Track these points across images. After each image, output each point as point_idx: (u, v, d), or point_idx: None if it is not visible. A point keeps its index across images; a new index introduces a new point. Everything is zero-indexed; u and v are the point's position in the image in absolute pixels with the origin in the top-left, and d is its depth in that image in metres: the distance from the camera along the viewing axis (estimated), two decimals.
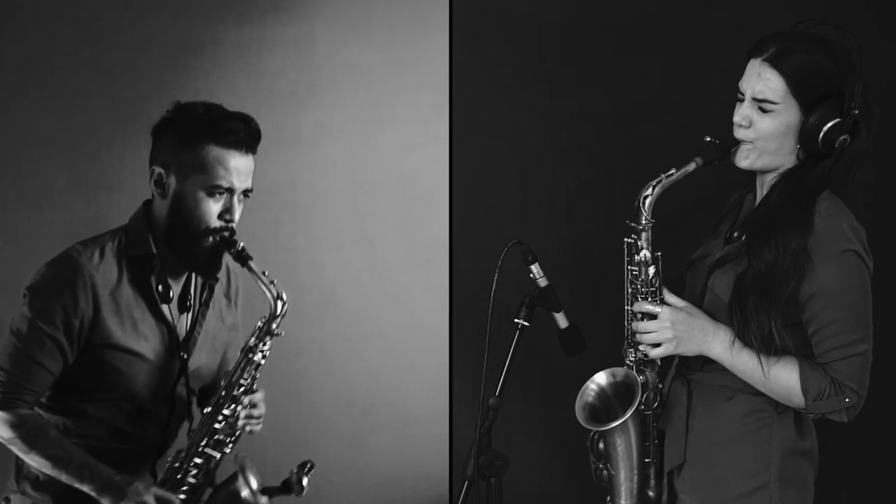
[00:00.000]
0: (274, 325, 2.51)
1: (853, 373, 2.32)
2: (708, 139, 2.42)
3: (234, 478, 2.49)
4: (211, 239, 2.47)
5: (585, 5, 3.27)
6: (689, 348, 2.42)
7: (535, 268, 2.57)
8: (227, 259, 2.54)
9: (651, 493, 2.50)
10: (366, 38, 3.34)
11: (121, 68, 3.22)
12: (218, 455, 2.51)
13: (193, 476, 2.49)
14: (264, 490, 2.49)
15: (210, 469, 2.51)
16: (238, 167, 2.46)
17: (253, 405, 2.53)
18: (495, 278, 2.52)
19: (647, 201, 2.43)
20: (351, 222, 3.38)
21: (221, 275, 2.64)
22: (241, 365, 2.51)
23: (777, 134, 2.37)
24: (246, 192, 2.51)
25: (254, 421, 2.54)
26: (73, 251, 2.46)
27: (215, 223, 2.46)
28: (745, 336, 2.36)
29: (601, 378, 2.48)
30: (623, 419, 2.40)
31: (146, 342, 2.50)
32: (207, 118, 2.46)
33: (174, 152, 2.46)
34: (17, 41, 3.23)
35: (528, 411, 3.25)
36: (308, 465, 2.51)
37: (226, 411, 2.50)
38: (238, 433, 2.53)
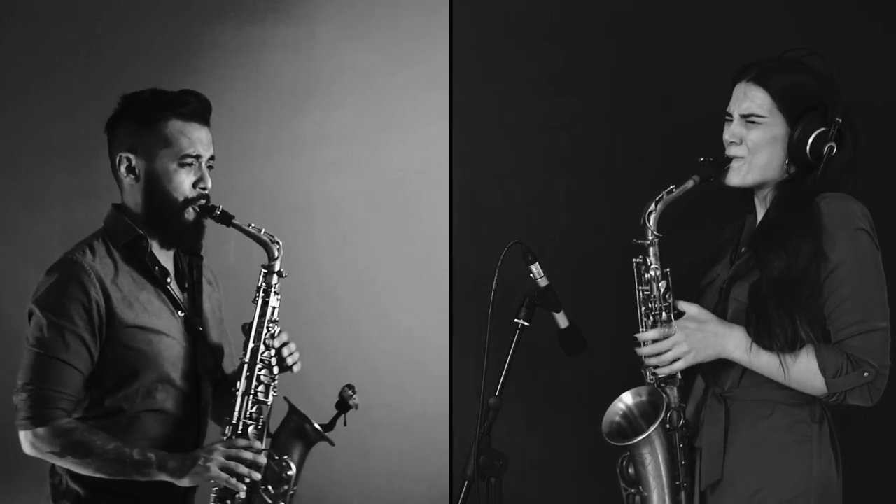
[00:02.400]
0: (276, 266, 2.56)
1: (871, 348, 2.34)
2: (702, 159, 2.50)
3: (290, 417, 2.56)
4: (191, 209, 2.53)
5: (585, 5, 3.27)
6: (707, 354, 2.44)
7: (535, 268, 2.57)
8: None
9: None
10: (365, 38, 3.34)
11: (121, 68, 3.22)
12: (269, 400, 2.54)
13: (254, 427, 2.51)
14: (322, 426, 2.58)
15: (265, 418, 2.54)
16: (200, 137, 2.54)
17: (285, 343, 2.58)
18: (495, 278, 2.52)
19: (652, 217, 2.49)
20: (350, 222, 3.38)
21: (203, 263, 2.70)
22: (260, 310, 2.56)
23: (765, 144, 2.45)
24: (210, 160, 2.57)
25: (295, 356, 2.59)
26: (66, 255, 2.50)
27: (191, 193, 2.53)
28: (766, 339, 2.37)
29: (627, 398, 2.52)
30: (649, 431, 2.42)
31: (158, 319, 2.53)
32: (160, 97, 2.54)
33: (137, 136, 2.52)
34: (17, 41, 3.23)
35: (528, 411, 3.25)
36: (350, 386, 2.62)
37: (263, 356, 2.54)
38: (276, 378, 2.56)
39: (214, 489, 2.45)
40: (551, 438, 3.27)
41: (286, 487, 2.53)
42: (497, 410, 2.50)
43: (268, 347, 2.55)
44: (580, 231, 3.25)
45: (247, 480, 2.44)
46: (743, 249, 2.52)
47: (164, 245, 2.58)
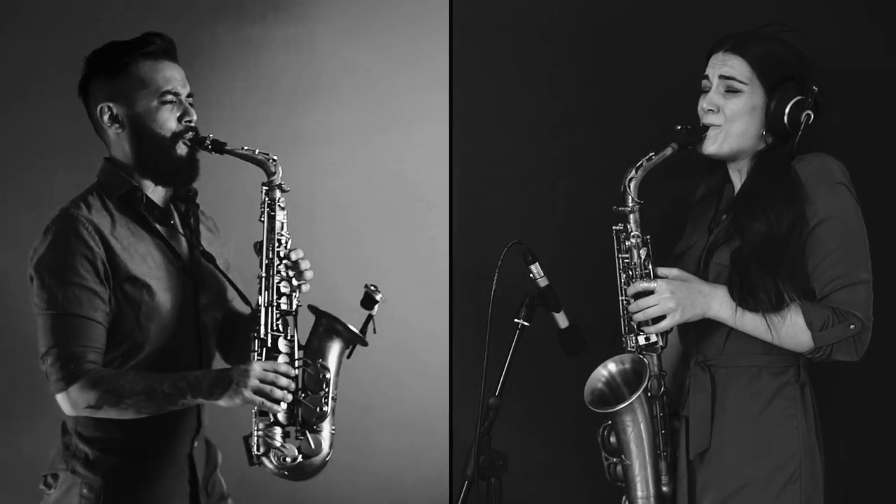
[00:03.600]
0: (277, 180, 2.55)
1: (856, 300, 2.35)
2: (679, 126, 2.51)
3: (318, 321, 2.55)
4: (181, 144, 2.51)
5: (585, 4, 3.27)
6: (694, 313, 2.44)
7: (535, 268, 2.57)
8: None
9: (665, 489, 2.50)
10: (366, 38, 3.34)
11: None
12: (293, 308, 2.53)
13: (283, 338, 2.50)
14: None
15: (292, 329, 2.53)
16: (174, 75, 2.54)
17: (300, 258, 2.56)
18: (495, 278, 2.52)
19: (633, 183, 2.50)
20: (351, 222, 3.38)
21: (200, 212, 2.69)
22: (268, 225, 2.54)
23: (743, 114, 2.46)
24: (189, 98, 2.56)
25: (307, 274, 2.57)
26: (61, 211, 2.48)
27: (178, 127, 2.52)
28: (751, 303, 2.38)
29: (611, 365, 2.51)
30: (632, 399, 2.42)
31: (158, 270, 2.51)
32: (122, 44, 2.54)
33: (111, 85, 2.52)
34: (18, 41, 3.23)
35: (528, 411, 3.25)
36: (373, 284, 2.61)
37: (278, 268, 2.52)
38: (296, 289, 2.54)
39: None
40: (551, 438, 3.27)
41: (325, 390, 2.51)
42: (497, 410, 2.50)
43: (282, 259, 2.53)
44: (580, 231, 3.25)
45: (281, 404, 2.44)
46: (723, 217, 2.53)
47: (160, 183, 2.56)
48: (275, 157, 2.55)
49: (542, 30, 3.27)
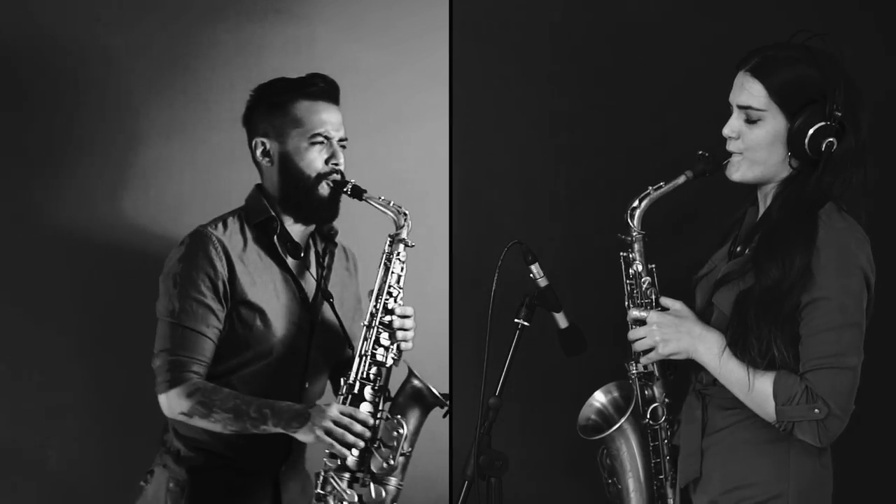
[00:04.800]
0: (402, 234, 2.64)
1: (832, 386, 2.26)
2: (700, 152, 2.45)
3: (408, 380, 2.61)
4: (325, 185, 2.63)
5: (586, 4, 3.27)
6: (676, 349, 2.41)
7: (535, 268, 2.58)
8: (341, 239, 2.82)
9: None
10: (365, 38, 3.34)
11: (120, 68, 3.21)
12: (388, 362, 2.60)
13: (371, 388, 2.57)
14: (443, 393, 2.65)
15: (383, 380, 2.60)
16: (329, 118, 2.66)
17: (405, 315, 2.64)
18: (495, 278, 2.53)
19: (636, 214, 2.47)
20: (350, 222, 3.37)
21: (339, 251, 2.81)
22: (382, 276, 2.63)
23: (765, 143, 2.39)
24: (342, 141, 2.67)
25: (408, 333, 2.64)
26: (198, 227, 2.62)
27: (324, 168, 2.64)
28: (740, 346, 2.33)
29: (599, 395, 2.55)
30: (618, 424, 2.44)
31: (277, 299, 2.63)
32: (287, 81, 2.68)
33: (268, 120, 2.65)
34: (17, 41, 3.23)
35: (528, 411, 3.25)
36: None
37: (385, 319, 2.60)
38: (398, 343, 2.62)
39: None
40: (551, 438, 3.27)
41: (395, 445, 2.56)
42: (497, 410, 2.50)
43: (388, 312, 2.61)
44: (580, 231, 3.25)
45: (353, 450, 2.50)
46: (738, 248, 2.49)
47: (300, 220, 2.68)
48: (406, 212, 2.65)
49: (542, 27, 3.27)
